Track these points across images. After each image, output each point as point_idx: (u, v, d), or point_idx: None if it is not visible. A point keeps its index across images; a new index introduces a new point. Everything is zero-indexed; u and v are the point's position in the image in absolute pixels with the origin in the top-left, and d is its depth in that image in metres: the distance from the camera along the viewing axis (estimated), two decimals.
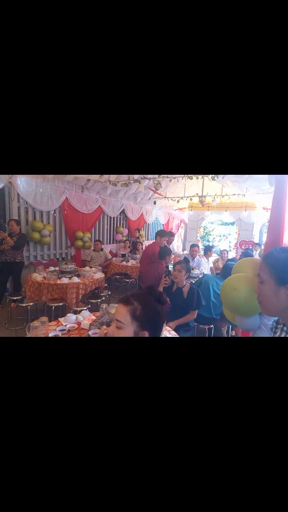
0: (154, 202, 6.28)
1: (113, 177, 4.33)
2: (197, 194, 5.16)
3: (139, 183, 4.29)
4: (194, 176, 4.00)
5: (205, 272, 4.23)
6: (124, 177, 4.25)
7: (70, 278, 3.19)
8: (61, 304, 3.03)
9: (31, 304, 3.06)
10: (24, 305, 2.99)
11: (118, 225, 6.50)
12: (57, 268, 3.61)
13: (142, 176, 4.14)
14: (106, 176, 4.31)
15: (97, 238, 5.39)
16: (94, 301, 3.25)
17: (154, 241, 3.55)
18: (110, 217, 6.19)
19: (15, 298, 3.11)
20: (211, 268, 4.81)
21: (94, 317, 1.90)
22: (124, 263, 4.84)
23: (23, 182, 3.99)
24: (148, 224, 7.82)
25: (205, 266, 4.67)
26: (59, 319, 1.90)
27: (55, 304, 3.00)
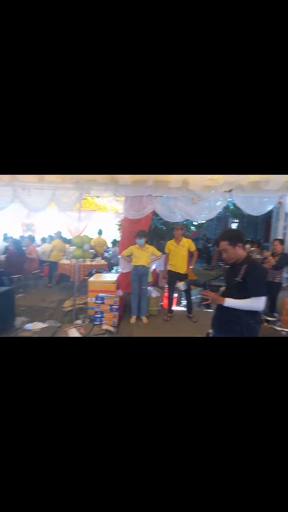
0: None
1: None
2: None
3: None
4: None
5: None
6: None
7: None
8: None
9: (286, 330, 2.77)
10: (278, 329, 2.80)
11: None
12: None
13: None
14: None
15: None
16: None
17: None
18: None
19: (269, 318, 3.02)
20: None
21: None
22: None
23: None
24: None
25: None
26: None
27: None
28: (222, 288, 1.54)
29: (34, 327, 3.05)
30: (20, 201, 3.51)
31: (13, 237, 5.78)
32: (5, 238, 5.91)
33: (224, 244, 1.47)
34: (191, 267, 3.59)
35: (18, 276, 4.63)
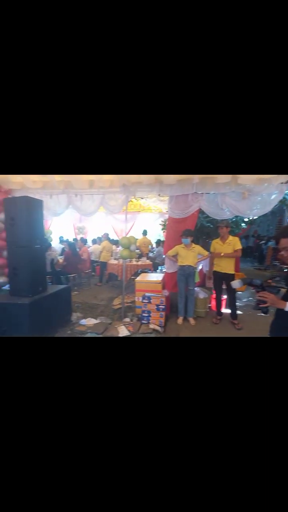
0: None
1: None
2: None
3: None
4: None
5: None
6: None
7: None
8: None
9: None
10: None
11: None
12: None
13: None
14: None
15: None
16: None
17: None
18: None
19: None
20: None
21: None
22: None
23: None
24: None
25: None
26: None
27: None
28: (283, 290, 1.39)
29: (88, 323, 3.32)
30: (73, 207, 3.86)
31: (68, 240, 6.39)
32: (61, 241, 6.58)
33: (285, 242, 1.33)
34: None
35: (73, 275, 5.09)
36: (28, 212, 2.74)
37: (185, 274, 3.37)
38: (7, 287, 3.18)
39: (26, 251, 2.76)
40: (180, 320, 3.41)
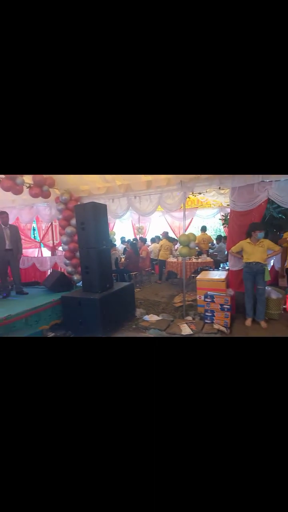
0: None
1: None
2: None
3: None
4: None
5: None
6: None
7: None
8: None
9: None
10: None
11: None
12: None
13: None
14: None
15: None
16: None
17: None
18: None
19: None
20: None
21: None
22: None
23: None
24: None
25: None
26: None
27: None
28: None
29: (151, 319, 3.43)
30: (133, 208, 4.04)
31: (130, 239, 6.77)
32: (123, 241, 7.01)
33: None
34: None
35: (135, 273, 5.37)
36: (95, 216, 3.03)
37: (253, 272, 3.07)
38: (80, 284, 3.61)
39: (94, 251, 3.07)
40: (248, 322, 3.14)
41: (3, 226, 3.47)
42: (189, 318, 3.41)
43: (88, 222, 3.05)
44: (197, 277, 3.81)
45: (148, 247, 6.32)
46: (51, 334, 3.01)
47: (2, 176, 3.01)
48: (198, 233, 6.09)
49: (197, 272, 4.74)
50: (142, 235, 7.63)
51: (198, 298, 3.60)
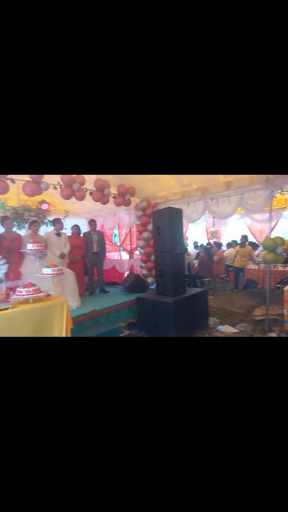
0: None
1: None
2: None
3: None
4: None
5: None
6: None
7: None
8: None
9: None
10: None
11: None
12: None
13: None
14: None
15: None
16: None
17: None
18: None
19: None
20: None
21: None
22: None
23: None
24: None
25: None
26: None
27: None
28: None
29: (226, 330, 3.18)
30: (209, 211, 3.89)
31: (203, 244, 6.55)
32: (195, 246, 6.85)
33: None
34: None
35: (208, 279, 5.13)
36: (170, 221, 3.09)
37: None
38: (153, 286, 3.74)
39: (169, 256, 3.12)
40: None
41: (92, 232, 4.03)
42: (273, 334, 2.96)
43: (164, 227, 3.14)
44: (285, 287, 3.27)
45: (223, 252, 5.92)
46: (126, 332, 3.25)
47: (93, 189, 3.50)
48: (285, 237, 5.24)
49: (284, 282, 4.08)
50: (217, 240, 7.23)
51: (285, 313, 3.08)
